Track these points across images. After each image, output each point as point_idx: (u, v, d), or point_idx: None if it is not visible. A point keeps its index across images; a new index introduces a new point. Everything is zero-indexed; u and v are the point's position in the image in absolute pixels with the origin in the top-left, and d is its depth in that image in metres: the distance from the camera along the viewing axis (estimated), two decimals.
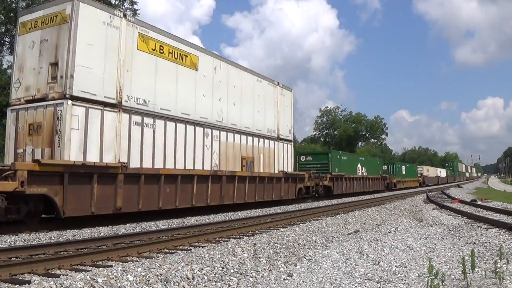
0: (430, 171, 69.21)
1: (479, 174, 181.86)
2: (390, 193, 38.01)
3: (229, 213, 16.89)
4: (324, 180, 27.70)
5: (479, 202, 20.38)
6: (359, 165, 35.94)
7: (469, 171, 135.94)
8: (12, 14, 36.71)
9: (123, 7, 40.10)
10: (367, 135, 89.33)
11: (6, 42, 39.52)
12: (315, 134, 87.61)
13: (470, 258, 6.03)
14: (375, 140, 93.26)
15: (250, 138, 19.52)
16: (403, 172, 50.35)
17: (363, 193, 35.12)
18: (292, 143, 23.60)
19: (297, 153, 32.55)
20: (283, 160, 22.26)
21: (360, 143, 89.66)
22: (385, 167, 45.94)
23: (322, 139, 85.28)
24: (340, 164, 31.27)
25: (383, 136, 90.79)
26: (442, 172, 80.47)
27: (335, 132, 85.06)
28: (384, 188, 41.86)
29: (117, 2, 39.62)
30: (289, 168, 22.80)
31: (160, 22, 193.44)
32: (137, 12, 40.33)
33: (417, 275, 6.11)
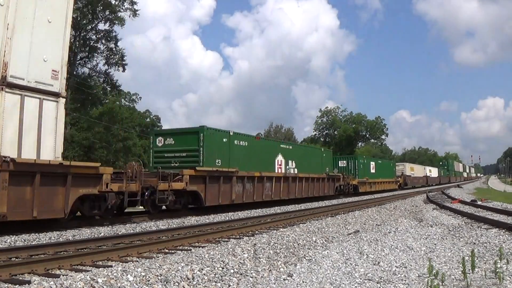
0: (415, 170, 56.68)
1: (479, 174, 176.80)
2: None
3: (229, 213, 16.89)
4: (177, 181, 14.82)
5: (479, 203, 20.38)
6: (279, 157, 22.41)
7: (468, 171, 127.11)
8: None
9: (123, 7, 40.19)
10: (367, 135, 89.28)
11: None
12: (315, 134, 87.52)
13: (470, 258, 6.03)
14: (375, 141, 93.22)
15: None
16: (372, 171, 38.21)
17: (288, 202, 22.63)
18: (62, 101, 11.71)
19: (152, 133, 19.80)
20: (20, 135, 10.48)
21: (360, 144, 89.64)
22: (343, 163, 34.68)
23: (322, 140, 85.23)
24: (230, 153, 18.25)
25: (383, 137, 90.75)
26: (432, 172, 68.56)
27: (335, 133, 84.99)
28: (335, 193, 29.38)
29: (117, 2, 39.74)
30: (50, 153, 11.15)
31: (160, 22, 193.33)
32: (137, 12, 40.45)
33: (417, 275, 6.11)
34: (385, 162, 47.20)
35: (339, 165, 33.97)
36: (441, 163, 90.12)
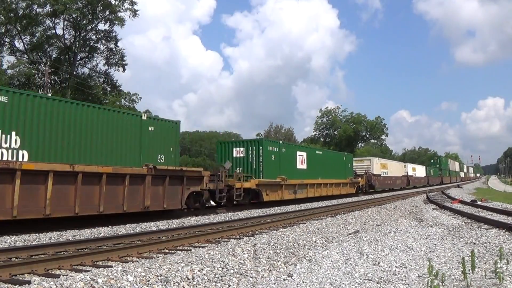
0: (389, 168, 42.85)
1: (478, 175, 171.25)
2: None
3: (229, 213, 16.88)
4: None
5: (479, 203, 20.37)
6: None
7: (465, 170, 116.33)
8: (12, 14, 36.78)
9: (123, 7, 40.19)
10: (367, 135, 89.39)
11: (6, 42, 39.58)
12: (315, 134, 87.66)
13: (470, 259, 6.03)
14: (375, 141, 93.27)
15: None
16: (301, 166, 24.81)
17: None
18: None
19: None
20: None
21: (360, 144, 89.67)
22: (239, 152, 21.61)
23: (322, 140, 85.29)
24: None
25: (383, 137, 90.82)
26: (418, 171, 55.61)
27: (335, 133, 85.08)
28: (187, 207, 15.98)
29: (117, 2, 39.73)
30: None
31: (160, 22, 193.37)
32: (137, 12, 40.43)
33: (417, 275, 6.11)
34: (330, 154, 32.23)
35: (234, 155, 21.63)
36: (432, 160, 77.42)
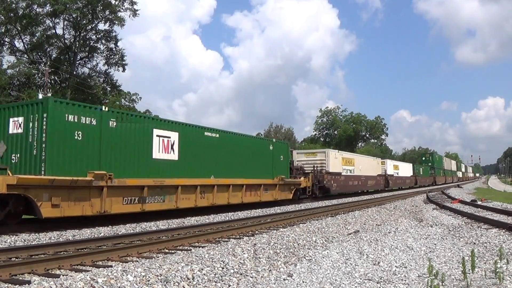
0: (358, 164, 32.67)
1: (477, 174, 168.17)
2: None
3: (229, 213, 16.88)
4: None
5: (479, 202, 20.37)
6: None
7: (463, 169, 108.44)
8: (12, 14, 36.79)
9: (123, 7, 40.19)
10: (367, 135, 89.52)
11: (6, 42, 39.58)
12: (315, 134, 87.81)
13: (470, 258, 6.03)
14: (375, 141, 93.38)
15: None
16: (163, 155, 14.33)
17: None
18: None
19: None
20: None
21: (360, 143, 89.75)
22: (16, 126, 11.51)
23: (322, 139, 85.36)
24: None
25: (383, 137, 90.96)
26: (401, 169, 45.36)
27: (335, 132, 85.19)
28: None
29: (117, 2, 39.74)
30: None
31: (160, 22, 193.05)
32: (137, 12, 40.43)
33: (417, 275, 6.11)
34: (240, 138, 19.40)
35: (10, 132, 11.73)
36: (423, 158, 68.59)
